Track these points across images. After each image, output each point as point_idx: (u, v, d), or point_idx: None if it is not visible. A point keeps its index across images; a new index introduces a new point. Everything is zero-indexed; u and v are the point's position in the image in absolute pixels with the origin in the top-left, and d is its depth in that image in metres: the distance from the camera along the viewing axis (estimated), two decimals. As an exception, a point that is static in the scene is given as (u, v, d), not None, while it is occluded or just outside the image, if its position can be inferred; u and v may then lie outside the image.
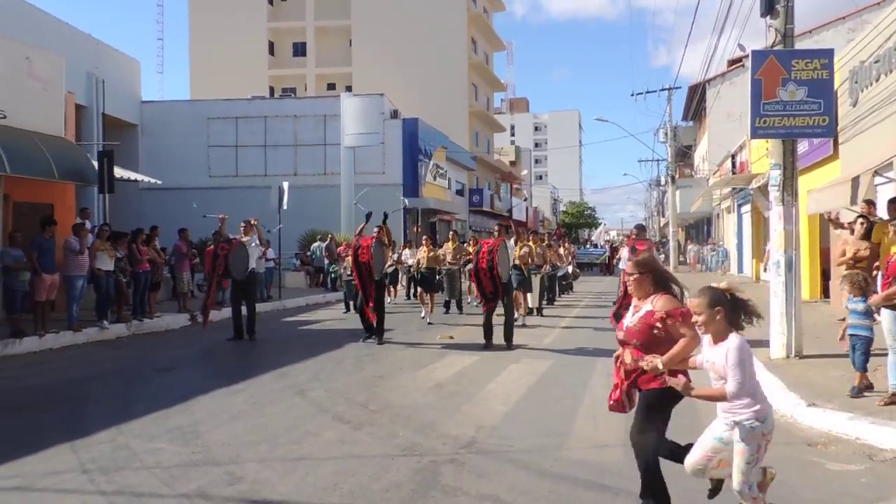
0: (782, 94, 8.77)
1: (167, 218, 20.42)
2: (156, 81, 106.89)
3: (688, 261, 38.73)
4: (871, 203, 9.92)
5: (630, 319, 4.02)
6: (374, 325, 11.29)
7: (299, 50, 49.98)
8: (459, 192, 41.01)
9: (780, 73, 8.76)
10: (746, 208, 26.40)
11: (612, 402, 4.12)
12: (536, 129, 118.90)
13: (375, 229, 11.62)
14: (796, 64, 8.76)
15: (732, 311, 3.59)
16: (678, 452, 3.92)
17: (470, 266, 11.76)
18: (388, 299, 14.62)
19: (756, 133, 9.11)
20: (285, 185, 18.74)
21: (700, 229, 46.89)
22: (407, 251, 18.55)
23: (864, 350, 6.77)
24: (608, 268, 34.53)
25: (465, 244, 16.06)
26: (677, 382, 3.63)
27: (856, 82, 12.69)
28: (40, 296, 11.03)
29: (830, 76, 8.95)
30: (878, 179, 10.52)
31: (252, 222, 12.74)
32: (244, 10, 47.48)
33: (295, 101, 34.92)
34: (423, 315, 14.32)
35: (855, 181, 9.90)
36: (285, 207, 18.43)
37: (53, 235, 11.37)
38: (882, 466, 5.07)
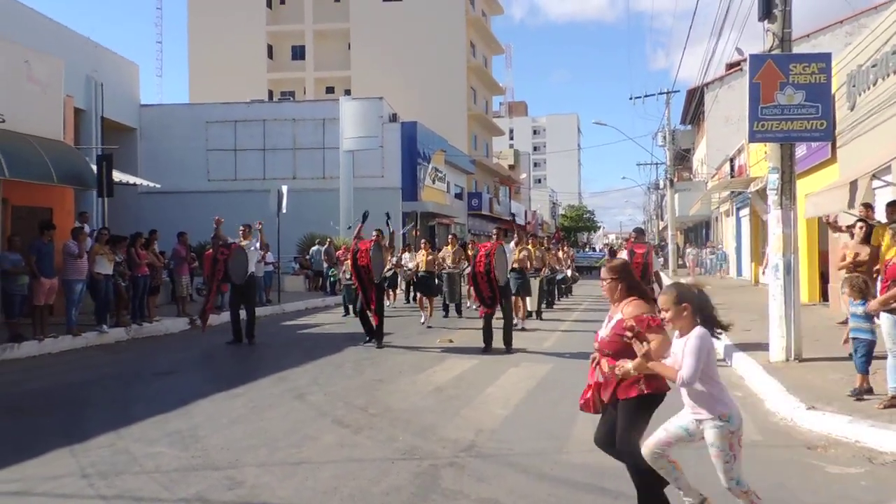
0: (780, 98, 8.79)
1: (166, 222, 20.45)
2: (155, 85, 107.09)
3: (686, 264, 38.74)
4: (869, 206, 9.96)
5: (604, 330, 4.05)
6: (375, 327, 11.29)
7: (298, 53, 50.02)
8: (458, 196, 41.04)
9: (778, 77, 8.78)
10: (745, 212, 26.43)
11: (582, 402, 4.19)
12: (535, 132, 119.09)
13: (374, 233, 11.64)
14: (794, 68, 8.79)
15: (699, 308, 3.64)
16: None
17: (468, 270, 11.76)
18: (387, 303, 14.61)
19: (754, 137, 9.14)
20: (284, 188, 18.77)
21: (699, 233, 46.95)
22: (406, 255, 18.55)
23: (865, 353, 6.78)
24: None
25: (467, 246, 16.02)
26: (639, 348, 3.66)
27: (853, 86, 12.72)
28: (39, 300, 11.03)
29: (828, 80, 8.97)
30: (875, 183, 10.54)
31: (257, 227, 12.78)
32: (243, 13, 47.52)
33: (294, 105, 34.94)
34: (422, 321, 14.26)
35: (853, 185, 9.92)
36: (284, 211, 18.44)
37: (52, 239, 11.37)
38: (882, 469, 5.08)
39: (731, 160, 27.97)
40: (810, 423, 6.15)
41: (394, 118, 31.88)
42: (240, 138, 30.86)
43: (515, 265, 13.34)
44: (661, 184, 48.76)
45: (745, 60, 10.86)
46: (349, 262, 11.81)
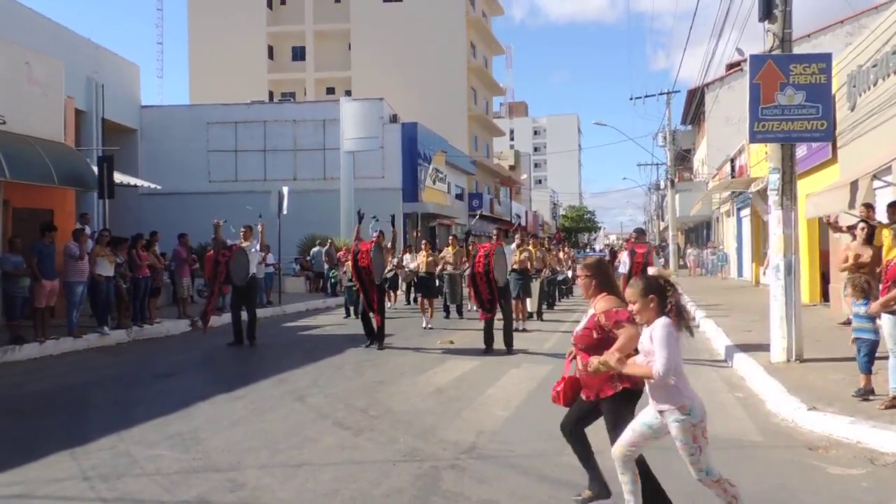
0: (781, 98, 8.79)
1: (167, 223, 20.47)
2: (155, 86, 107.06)
3: (687, 265, 38.74)
4: (869, 207, 9.95)
5: (579, 326, 4.16)
6: (377, 328, 11.29)
7: (299, 54, 50.04)
8: (459, 197, 41.04)
9: (779, 78, 8.77)
10: (746, 212, 26.42)
11: (553, 393, 4.29)
12: (535, 133, 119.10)
13: (374, 234, 11.63)
14: (794, 68, 8.78)
15: (663, 298, 3.65)
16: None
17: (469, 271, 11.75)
18: (388, 304, 14.58)
19: (755, 137, 9.13)
20: (285, 189, 18.77)
21: (699, 233, 46.93)
22: (407, 256, 18.55)
23: (867, 352, 6.79)
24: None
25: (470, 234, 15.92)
26: (608, 359, 3.70)
27: (854, 86, 12.71)
28: (40, 302, 11.04)
29: (828, 80, 8.97)
30: (876, 183, 10.53)
31: (257, 228, 12.77)
32: (244, 13, 47.53)
33: (294, 106, 34.95)
34: (424, 325, 14.17)
35: (853, 185, 9.91)
36: (285, 212, 18.45)
37: (53, 241, 11.38)
38: (883, 470, 5.07)
39: (732, 160, 27.96)
40: (811, 424, 6.15)
41: (394, 119, 31.89)
42: (240, 139, 30.88)
43: (516, 266, 13.33)
44: (662, 184, 48.75)
45: (745, 61, 10.86)
46: (350, 263, 11.81)
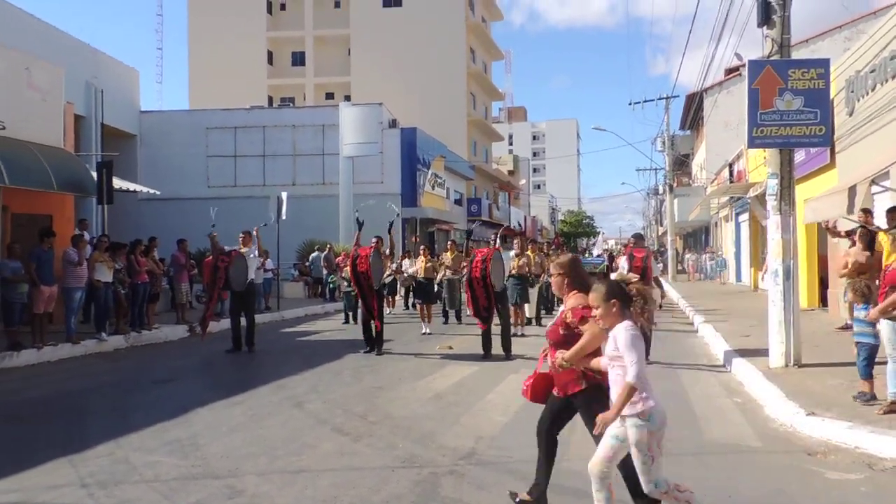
0: (779, 103, 8.81)
1: (166, 228, 20.44)
2: (155, 91, 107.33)
3: (686, 269, 38.75)
4: (868, 212, 9.97)
5: (551, 323, 4.29)
6: (376, 334, 11.28)
7: (298, 59, 50.10)
8: (458, 202, 41.07)
9: (777, 83, 8.80)
10: (744, 217, 26.45)
11: (523, 387, 4.43)
12: (534, 138, 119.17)
13: (374, 239, 11.64)
14: (793, 74, 8.81)
15: (625, 303, 3.68)
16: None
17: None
18: (386, 310, 14.56)
19: (753, 143, 9.16)
20: (284, 195, 18.76)
21: (698, 238, 46.96)
22: (406, 261, 18.54)
23: (866, 356, 6.79)
24: (606, 277, 34.49)
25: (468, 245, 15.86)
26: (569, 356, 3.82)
27: (852, 91, 12.75)
28: (38, 308, 11.02)
29: (827, 86, 9.00)
30: (874, 188, 10.55)
31: (254, 233, 12.76)
32: (243, 19, 47.60)
33: (293, 111, 35.01)
34: (423, 331, 14.12)
35: (851, 190, 9.94)
36: (284, 217, 18.44)
37: (52, 247, 11.37)
38: (882, 475, 5.07)
39: (731, 165, 27.97)
40: (810, 429, 6.15)
41: (393, 124, 31.93)
42: (240, 144, 30.90)
43: (514, 271, 13.34)
44: (661, 189, 48.81)
45: (744, 66, 10.88)
46: (349, 268, 11.80)
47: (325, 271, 21.79)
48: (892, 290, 6.30)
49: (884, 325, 6.36)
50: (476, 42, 51.36)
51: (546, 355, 4.22)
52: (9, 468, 5.31)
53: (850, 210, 9.94)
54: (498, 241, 12.12)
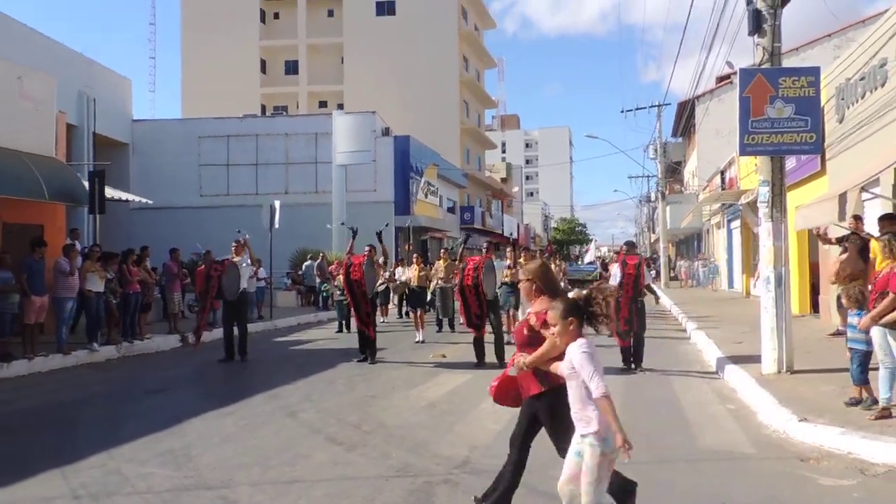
0: (770, 111, 8.87)
1: (158, 238, 20.42)
2: (147, 100, 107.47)
3: (679, 276, 38.85)
4: (858, 219, 10.02)
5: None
6: (369, 342, 11.25)
7: (291, 68, 50.19)
8: (451, 210, 41.11)
9: (768, 91, 8.86)
10: (736, 224, 26.57)
11: (489, 387, 4.55)
12: (527, 145, 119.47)
13: (367, 248, 11.63)
14: (783, 81, 8.87)
15: (582, 321, 3.70)
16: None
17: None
18: (380, 319, 14.53)
19: (744, 150, 9.20)
20: (277, 203, 18.75)
21: (690, 245, 47.10)
22: (399, 269, 18.54)
23: (859, 362, 6.82)
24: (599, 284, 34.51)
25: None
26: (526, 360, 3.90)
27: (842, 99, 12.84)
28: (29, 318, 10.96)
29: (817, 93, 9.06)
30: (864, 195, 10.62)
31: (242, 241, 12.73)
32: (236, 28, 47.67)
33: (286, 120, 35.02)
34: (417, 339, 14.06)
35: (842, 197, 9.98)
36: (277, 226, 18.43)
37: (43, 257, 11.31)
38: (874, 481, 5.09)
39: (722, 173, 28.13)
40: (803, 435, 6.17)
41: (386, 132, 31.98)
42: (232, 153, 30.88)
43: (507, 279, 13.34)
44: (653, 196, 48.93)
45: (735, 73, 10.94)
46: (342, 276, 11.79)
47: (318, 280, 21.74)
48: (882, 297, 6.34)
49: (875, 332, 6.39)
50: (469, 50, 51.55)
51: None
52: (0, 480, 5.27)
53: (841, 217, 9.98)
54: (491, 249, 12.11)
